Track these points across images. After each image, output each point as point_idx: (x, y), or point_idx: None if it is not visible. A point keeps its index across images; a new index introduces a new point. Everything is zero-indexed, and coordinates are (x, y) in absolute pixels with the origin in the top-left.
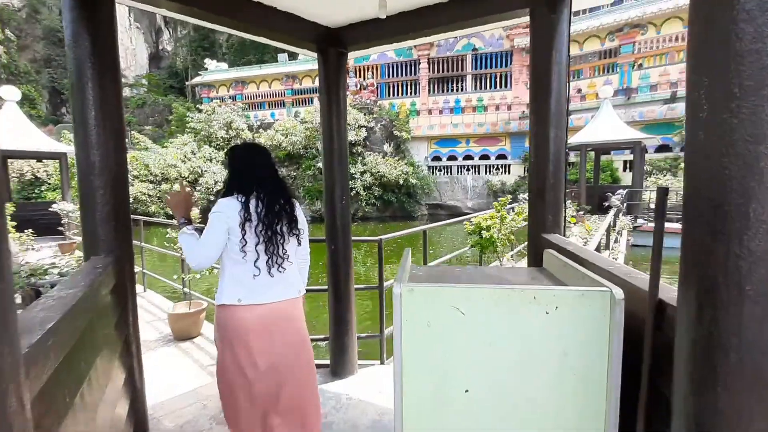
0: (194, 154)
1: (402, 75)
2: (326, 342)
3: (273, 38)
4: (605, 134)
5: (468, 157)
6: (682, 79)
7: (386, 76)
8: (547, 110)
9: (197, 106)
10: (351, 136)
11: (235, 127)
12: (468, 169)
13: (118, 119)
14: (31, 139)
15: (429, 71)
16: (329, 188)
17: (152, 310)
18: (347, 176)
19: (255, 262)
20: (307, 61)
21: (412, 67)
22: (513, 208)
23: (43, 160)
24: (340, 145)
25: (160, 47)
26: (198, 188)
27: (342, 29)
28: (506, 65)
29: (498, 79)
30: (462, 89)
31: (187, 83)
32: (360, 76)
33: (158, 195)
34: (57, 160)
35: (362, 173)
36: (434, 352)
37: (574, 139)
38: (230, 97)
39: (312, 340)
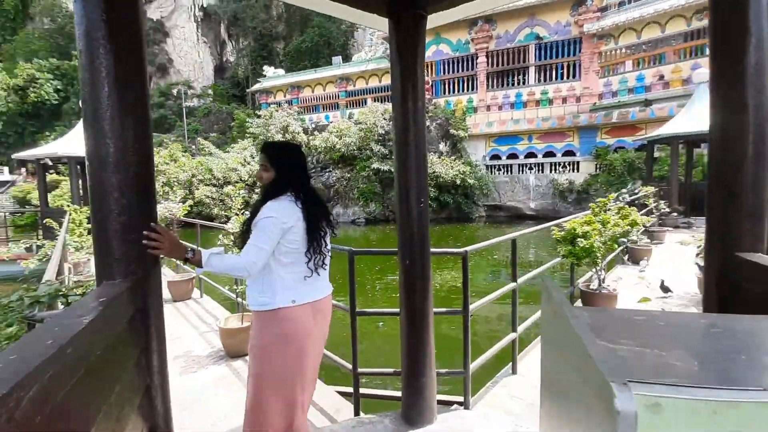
0: (253, 157)
1: (458, 71)
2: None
3: None
4: (704, 124)
5: (530, 155)
6: None
7: (441, 73)
8: (740, 71)
9: (256, 111)
10: None
11: (291, 130)
12: (530, 168)
13: (141, 102)
14: None
15: (487, 65)
16: (403, 188)
17: (207, 320)
18: (426, 173)
19: (307, 262)
20: (360, 62)
21: (469, 62)
22: (608, 209)
23: None
24: (416, 134)
25: (224, 59)
26: (256, 191)
27: None
28: (574, 54)
29: (565, 70)
30: (524, 82)
31: (247, 91)
32: None
33: (221, 198)
34: None
35: None
36: None
37: (663, 130)
38: (286, 102)
39: (374, 374)
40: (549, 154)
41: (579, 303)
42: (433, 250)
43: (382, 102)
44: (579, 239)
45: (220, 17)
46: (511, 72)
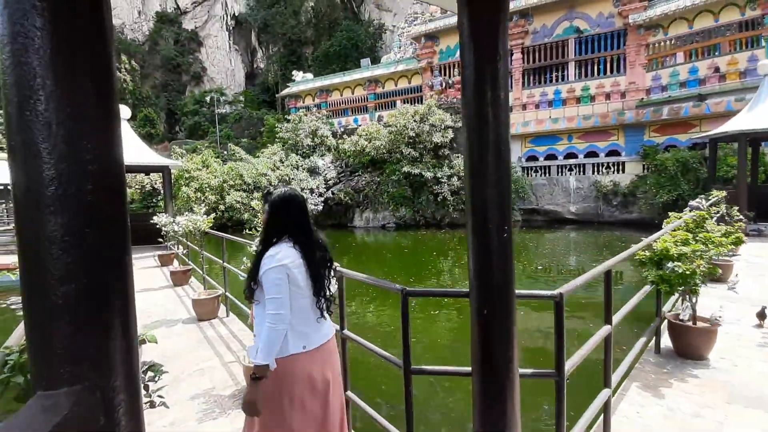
0: (282, 162)
1: None
2: None
3: None
4: None
5: (570, 155)
6: None
7: None
8: None
9: (286, 116)
10: (437, 138)
11: (320, 134)
12: (570, 169)
13: (104, 95)
14: (139, 154)
15: (523, 62)
16: (479, 211)
17: (232, 345)
18: (510, 188)
19: (314, 305)
20: (389, 64)
21: None
22: (699, 222)
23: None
24: (498, 136)
25: (255, 66)
26: None
27: None
28: (618, 47)
29: (608, 64)
30: (563, 79)
31: (277, 96)
32: (445, 74)
33: (251, 204)
34: (160, 173)
35: (449, 177)
36: None
37: (729, 126)
38: (315, 106)
39: None
40: (591, 154)
41: (666, 338)
42: (519, 292)
43: (412, 104)
44: (674, 263)
45: (251, 25)
46: (548, 68)
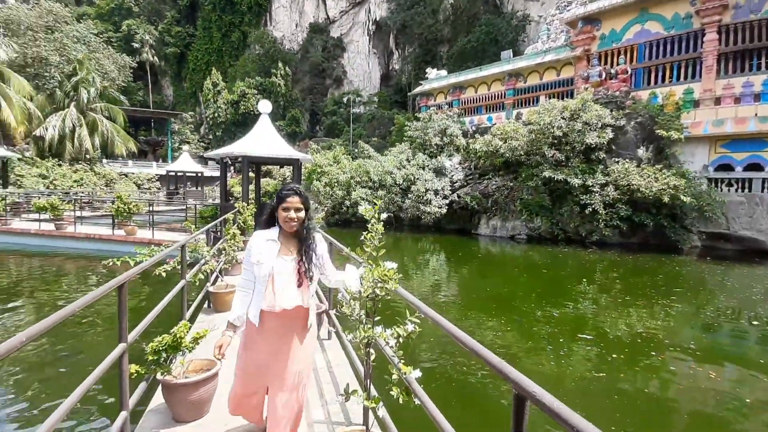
0: (408, 161)
1: (672, 54)
2: None
3: None
4: None
5: None
6: None
7: (646, 59)
8: None
9: (416, 115)
10: (590, 138)
11: (449, 133)
12: None
13: None
14: (276, 146)
15: (719, 43)
16: None
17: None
18: None
19: None
20: (536, 54)
21: (691, 42)
22: None
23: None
24: None
25: (390, 67)
26: (409, 196)
27: None
28: None
29: None
30: None
31: (408, 95)
32: (605, 63)
33: (374, 200)
34: (291, 166)
35: (603, 186)
36: None
37: None
38: (447, 104)
39: None
40: None
41: None
42: None
43: (561, 98)
44: None
45: (390, 27)
46: (756, 51)
